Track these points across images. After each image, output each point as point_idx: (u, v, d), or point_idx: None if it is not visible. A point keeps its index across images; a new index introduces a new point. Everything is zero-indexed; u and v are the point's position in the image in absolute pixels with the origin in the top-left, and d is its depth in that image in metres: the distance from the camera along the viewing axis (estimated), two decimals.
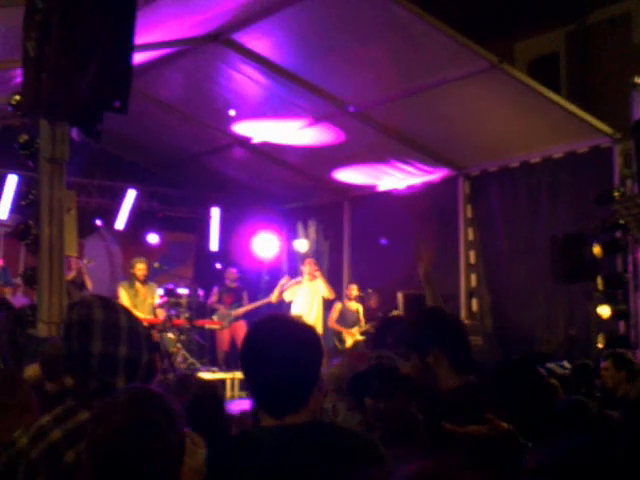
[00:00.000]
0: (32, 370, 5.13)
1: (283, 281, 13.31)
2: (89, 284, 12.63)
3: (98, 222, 14.04)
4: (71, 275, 11.74)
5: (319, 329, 12.69)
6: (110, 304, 2.84)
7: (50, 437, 2.55)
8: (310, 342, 2.59)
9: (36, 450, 2.52)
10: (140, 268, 12.47)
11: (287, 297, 13.19)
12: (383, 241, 13.27)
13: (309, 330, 2.65)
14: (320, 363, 2.63)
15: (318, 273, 13.15)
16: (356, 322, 13.04)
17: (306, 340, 2.58)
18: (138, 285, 12.44)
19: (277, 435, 2.49)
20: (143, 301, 12.44)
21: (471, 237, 12.50)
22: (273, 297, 13.22)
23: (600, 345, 9.65)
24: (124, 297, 12.27)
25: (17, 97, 6.53)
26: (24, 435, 2.60)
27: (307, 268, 13.16)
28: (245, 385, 2.68)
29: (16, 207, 11.74)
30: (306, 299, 13.02)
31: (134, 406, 2.18)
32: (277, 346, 2.53)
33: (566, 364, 8.23)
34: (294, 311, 12.93)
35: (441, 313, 4.12)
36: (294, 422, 2.51)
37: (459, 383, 3.63)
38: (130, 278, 12.58)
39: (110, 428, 2.13)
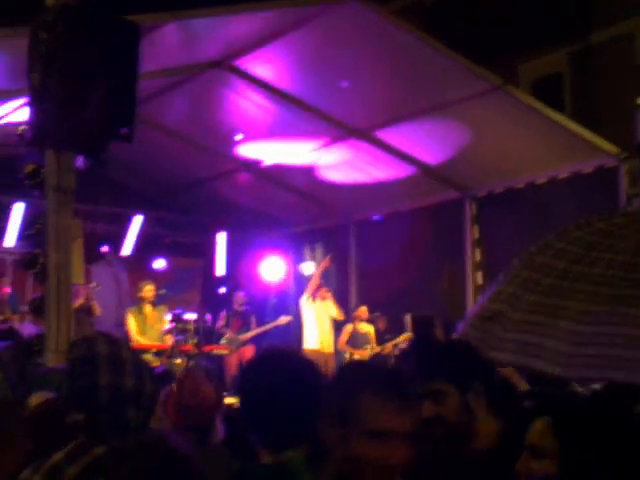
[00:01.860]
0: (37, 399, 5.07)
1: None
2: (97, 310, 12.59)
3: (105, 248, 14.01)
4: (79, 302, 11.71)
5: (329, 349, 12.80)
6: (113, 339, 2.88)
7: (68, 473, 2.53)
8: (305, 378, 2.55)
9: None
10: (148, 289, 12.44)
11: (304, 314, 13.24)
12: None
13: (306, 365, 2.62)
14: (317, 399, 2.52)
15: (329, 294, 13.17)
16: (366, 344, 13.00)
17: (301, 376, 2.54)
18: (147, 310, 12.41)
19: (272, 473, 2.43)
20: (152, 326, 12.38)
21: (478, 258, 12.47)
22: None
23: None
24: (132, 324, 12.24)
25: (22, 127, 6.55)
26: (36, 474, 2.57)
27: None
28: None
29: (23, 235, 11.71)
30: (316, 319, 13.04)
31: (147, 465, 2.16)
32: (270, 383, 2.49)
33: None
34: (305, 331, 13.03)
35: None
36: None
37: (498, 429, 2.95)
38: (138, 302, 12.55)
39: None
